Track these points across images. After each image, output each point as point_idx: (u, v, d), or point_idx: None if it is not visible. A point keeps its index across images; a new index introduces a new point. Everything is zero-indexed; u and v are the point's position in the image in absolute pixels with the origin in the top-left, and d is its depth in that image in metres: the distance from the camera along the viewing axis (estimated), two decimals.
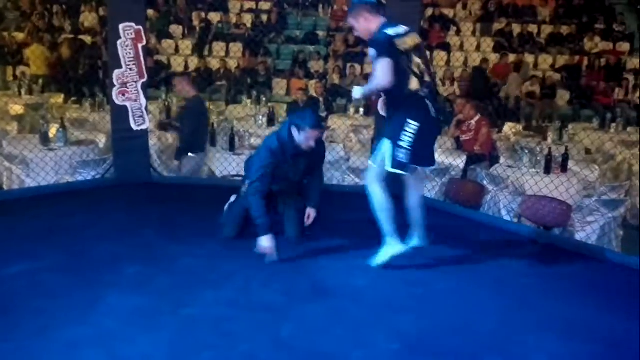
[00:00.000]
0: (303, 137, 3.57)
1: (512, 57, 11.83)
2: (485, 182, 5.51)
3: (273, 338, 2.67)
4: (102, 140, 6.31)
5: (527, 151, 5.72)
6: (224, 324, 2.77)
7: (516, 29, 12.97)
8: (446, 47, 12.65)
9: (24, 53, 11.99)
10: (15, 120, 7.22)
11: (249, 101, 9.09)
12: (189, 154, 5.79)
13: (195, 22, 13.57)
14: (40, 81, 10.63)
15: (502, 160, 6.26)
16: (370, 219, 3.44)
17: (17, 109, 7.89)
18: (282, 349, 2.59)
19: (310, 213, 3.85)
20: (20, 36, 12.89)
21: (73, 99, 9.28)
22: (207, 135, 5.98)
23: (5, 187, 5.53)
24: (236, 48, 12.68)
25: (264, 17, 13.43)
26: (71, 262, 3.45)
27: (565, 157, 5.57)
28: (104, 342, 2.58)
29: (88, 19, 13.41)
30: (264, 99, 9.05)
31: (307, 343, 2.64)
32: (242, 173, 5.71)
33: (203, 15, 13.52)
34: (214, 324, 2.76)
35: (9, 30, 13.33)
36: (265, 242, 3.46)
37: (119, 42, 4.93)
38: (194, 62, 12.41)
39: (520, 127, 8.57)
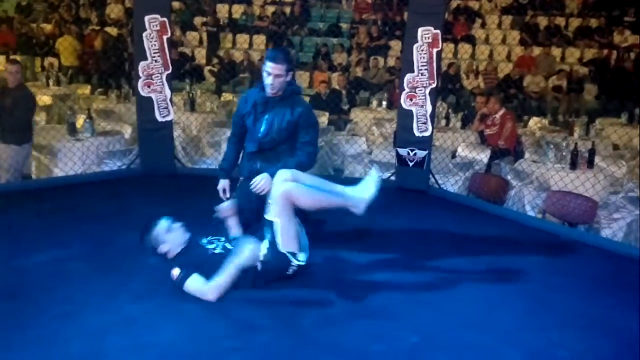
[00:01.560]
0: (264, 75, 3.27)
1: (537, 50, 11.65)
2: (509, 177, 5.45)
3: (294, 329, 2.69)
4: (127, 131, 6.40)
5: (552, 146, 5.65)
6: (245, 313, 2.80)
7: (543, 21, 12.76)
8: (471, 40, 12.50)
9: (52, 44, 12.20)
10: (43, 110, 7.36)
11: None
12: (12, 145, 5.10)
13: (219, 15, 13.65)
14: (69, 72, 10.81)
15: (526, 155, 6.19)
16: (388, 212, 3.44)
17: (45, 99, 8.03)
18: (302, 340, 2.61)
19: (264, 176, 3.18)
20: (48, 28, 13.10)
21: (99, 90, 9.43)
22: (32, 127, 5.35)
23: (34, 176, 5.65)
24: (259, 40, 12.71)
25: (287, 9, 13.42)
26: (97, 250, 3.52)
27: (592, 153, 5.48)
28: (129, 329, 2.63)
29: (114, 10, 13.57)
30: None
31: (326, 335, 2.65)
32: None
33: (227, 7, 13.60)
34: (236, 313, 2.79)
35: (37, 21, 13.56)
36: (219, 185, 3.60)
37: (144, 33, 4.98)
38: (219, 54, 12.48)
39: (545, 121, 8.45)
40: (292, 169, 3.13)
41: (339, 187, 3.14)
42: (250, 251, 2.89)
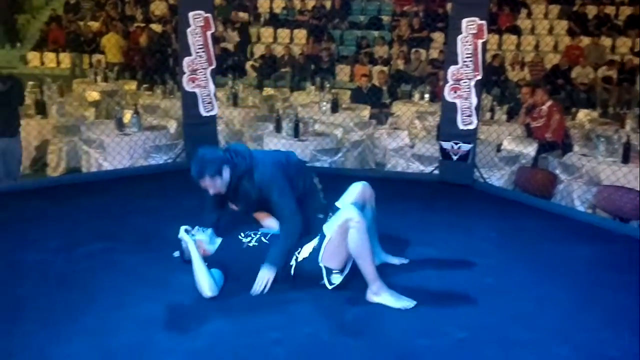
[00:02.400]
0: None
1: (587, 40, 11.29)
2: (557, 171, 5.31)
3: (337, 322, 2.70)
4: (173, 125, 6.53)
5: (603, 139, 5.46)
6: (289, 306, 2.81)
7: (592, 10, 12.34)
8: (516, 31, 12.21)
9: (99, 41, 12.54)
10: (92, 106, 7.57)
11: (312, 88, 9.13)
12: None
13: (260, 10, 13.76)
14: (115, 68, 11.08)
15: (575, 148, 6.01)
16: (432, 207, 3.38)
17: (94, 95, 8.27)
18: (345, 333, 2.61)
19: (262, 274, 2.91)
20: (95, 25, 13.47)
21: (145, 86, 9.64)
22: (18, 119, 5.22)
23: (84, 170, 5.83)
24: (301, 34, 12.75)
25: (328, 3, 13.40)
26: (144, 242, 3.60)
27: None
28: (176, 320, 2.69)
29: (159, 7, 13.85)
30: (328, 85, 9.06)
31: (371, 329, 2.65)
32: (306, 159, 5.78)
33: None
34: (281, 305, 2.82)
35: (84, 19, 13.96)
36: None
37: (188, 29, 5.06)
38: (259, 49, 12.59)
39: (595, 114, 8.17)
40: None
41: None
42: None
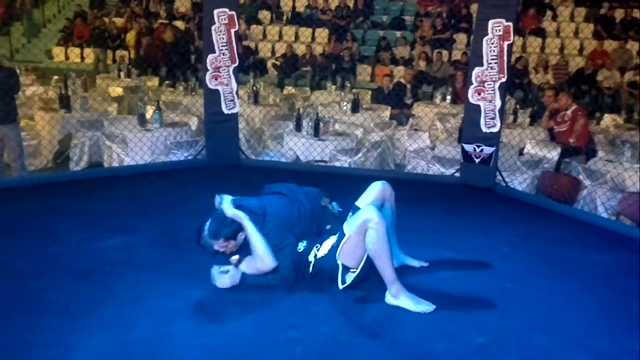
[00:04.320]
0: None
1: (613, 44, 11.09)
2: (580, 177, 5.22)
3: (355, 323, 2.69)
4: (194, 122, 6.56)
5: (628, 145, 5.37)
6: (308, 306, 2.81)
7: (619, 14, 12.13)
8: (540, 33, 12.05)
9: (123, 38, 12.67)
10: (115, 101, 7.65)
11: (333, 87, 9.11)
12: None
13: (284, 9, 13.77)
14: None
15: (600, 153, 5.91)
16: (453, 210, 3.34)
17: (117, 90, 8.35)
18: (363, 334, 2.60)
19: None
20: (119, 21, 13.61)
21: (167, 82, 9.71)
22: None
23: (105, 165, 5.89)
24: (324, 34, 12.73)
25: (351, 2, 13.36)
26: (165, 237, 3.63)
27: None
28: (195, 315, 2.71)
29: (183, 4, 13.93)
30: (349, 85, 9.04)
31: (388, 331, 2.63)
32: (326, 159, 5.77)
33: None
34: (299, 305, 2.82)
35: (109, 15, 14.12)
36: None
37: (213, 27, 5.07)
38: (282, 48, 12.61)
39: (620, 119, 8.04)
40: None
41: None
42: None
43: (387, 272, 2.79)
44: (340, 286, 2.91)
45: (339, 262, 2.88)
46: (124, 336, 2.52)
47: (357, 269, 2.89)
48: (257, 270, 2.90)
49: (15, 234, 3.62)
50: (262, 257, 2.87)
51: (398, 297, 2.80)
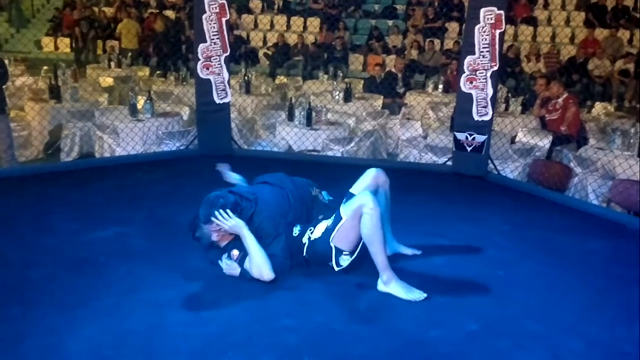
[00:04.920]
0: None
1: (604, 32, 11.13)
2: (572, 164, 5.26)
3: (350, 311, 2.70)
4: (186, 112, 6.53)
5: (619, 133, 5.40)
6: (302, 293, 2.82)
7: (610, 2, 12.16)
8: (532, 22, 12.06)
9: (113, 27, 12.55)
10: (106, 91, 7.59)
11: (325, 76, 9.09)
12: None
13: None
14: (129, 54, 11.10)
15: (591, 141, 5.95)
16: (445, 198, 3.35)
17: (108, 81, 8.28)
18: (357, 321, 2.61)
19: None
20: (109, 11, 13.48)
21: (158, 72, 9.64)
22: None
23: (97, 155, 5.85)
24: (316, 23, 12.68)
25: None
26: (158, 227, 3.62)
27: None
28: (189, 305, 2.70)
29: None
30: (341, 74, 9.02)
31: (382, 318, 2.65)
32: (318, 148, 5.77)
33: None
34: (293, 292, 2.82)
35: (98, 5, 13.98)
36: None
37: (203, 16, 5.03)
38: (273, 37, 12.55)
39: (611, 107, 8.08)
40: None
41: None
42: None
43: (379, 258, 2.81)
44: (336, 268, 2.93)
45: (332, 244, 2.90)
46: (118, 326, 2.51)
47: (350, 252, 2.91)
48: (255, 276, 2.89)
49: (6, 225, 3.59)
50: (260, 267, 2.86)
51: (389, 285, 2.82)
